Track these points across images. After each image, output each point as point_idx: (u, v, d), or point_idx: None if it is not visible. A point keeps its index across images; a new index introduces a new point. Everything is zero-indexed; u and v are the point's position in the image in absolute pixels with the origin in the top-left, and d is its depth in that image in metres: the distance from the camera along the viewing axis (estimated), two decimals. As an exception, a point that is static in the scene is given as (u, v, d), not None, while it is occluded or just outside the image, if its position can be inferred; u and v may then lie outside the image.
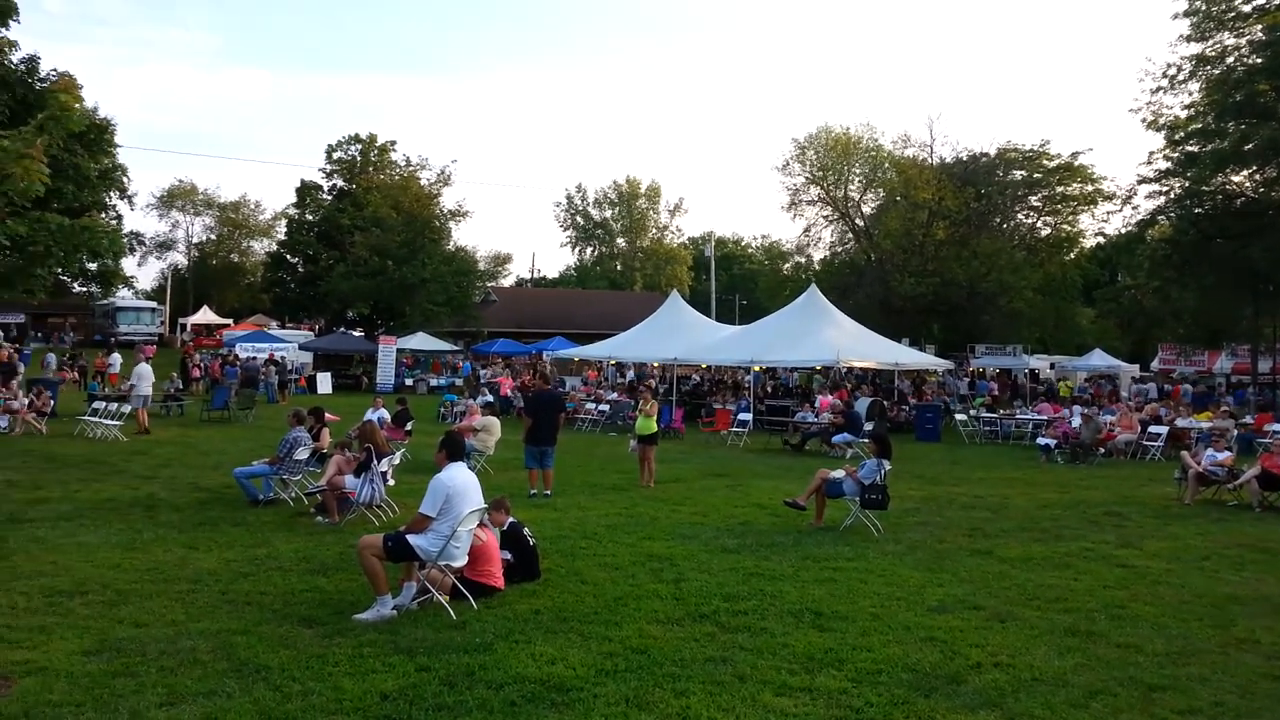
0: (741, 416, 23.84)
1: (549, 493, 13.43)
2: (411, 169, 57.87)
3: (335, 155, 62.39)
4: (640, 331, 32.51)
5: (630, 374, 36.33)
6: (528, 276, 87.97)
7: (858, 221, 50.45)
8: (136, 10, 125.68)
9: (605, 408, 27.38)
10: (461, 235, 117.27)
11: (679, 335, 29.49)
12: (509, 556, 8.29)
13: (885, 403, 26.72)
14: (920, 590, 8.36)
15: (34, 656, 5.83)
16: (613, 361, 35.16)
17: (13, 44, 22.95)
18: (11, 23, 22.69)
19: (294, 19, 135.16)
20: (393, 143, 62.54)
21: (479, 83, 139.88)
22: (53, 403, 23.38)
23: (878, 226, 48.36)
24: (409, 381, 41.39)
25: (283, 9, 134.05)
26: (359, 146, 62.21)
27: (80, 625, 6.59)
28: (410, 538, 7.27)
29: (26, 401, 21.43)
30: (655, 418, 15.51)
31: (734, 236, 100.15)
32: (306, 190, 62.97)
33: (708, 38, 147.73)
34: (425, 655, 6.18)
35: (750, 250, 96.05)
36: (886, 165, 49.15)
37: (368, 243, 49.05)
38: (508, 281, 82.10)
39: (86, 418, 21.06)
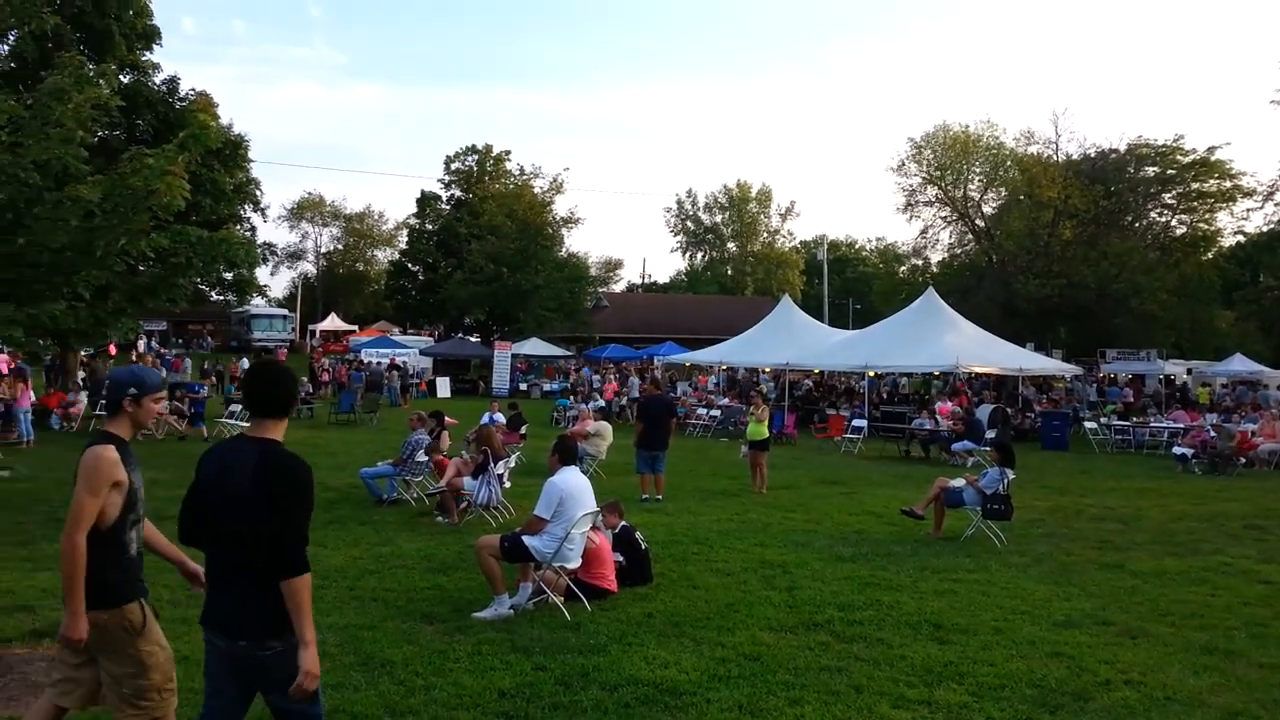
0: (856, 423, 23.45)
1: (660, 497, 13.49)
2: (525, 177, 59.03)
3: (453, 166, 64.24)
4: (751, 336, 32.34)
5: (741, 378, 36.16)
6: (638, 282, 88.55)
7: (978, 222, 48.93)
8: (267, 31, 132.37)
9: (716, 413, 27.33)
10: (573, 242, 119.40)
11: (791, 340, 29.22)
12: (621, 559, 8.38)
13: (1008, 410, 25.84)
14: (1046, 604, 8.07)
15: (180, 647, 6.18)
16: (724, 367, 35.07)
17: (155, 66, 24.52)
18: (155, 46, 24.27)
19: (414, 36, 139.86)
20: (507, 152, 63.98)
21: (590, 90, 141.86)
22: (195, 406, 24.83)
23: (999, 227, 46.75)
24: (523, 386, 42.20)
25: (403, 27, 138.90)
26: (475, 157, 63.88)
27: (221, 616, 6.94)
28: (525, 539, 7.43)
29: (169, 404, 22.82)
30: (767, 423, 15.41)
31: (847, 239, 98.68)
32: (426, 201, 65.02)
33: (818, 38, 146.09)
34: (541, 654, 6.30)
35: (864, 253, 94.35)
36: (1008, 163, 47.51)
37: (484, 250, 50.25)
38: (619, 287, 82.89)
39: (223, 419, 22.26)
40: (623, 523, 8.73)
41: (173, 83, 24.78)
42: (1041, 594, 8.43)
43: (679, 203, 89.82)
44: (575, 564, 7.61)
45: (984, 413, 23.07)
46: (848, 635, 6.97)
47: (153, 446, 18.95)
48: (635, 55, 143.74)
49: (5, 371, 20.31)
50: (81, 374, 25.82)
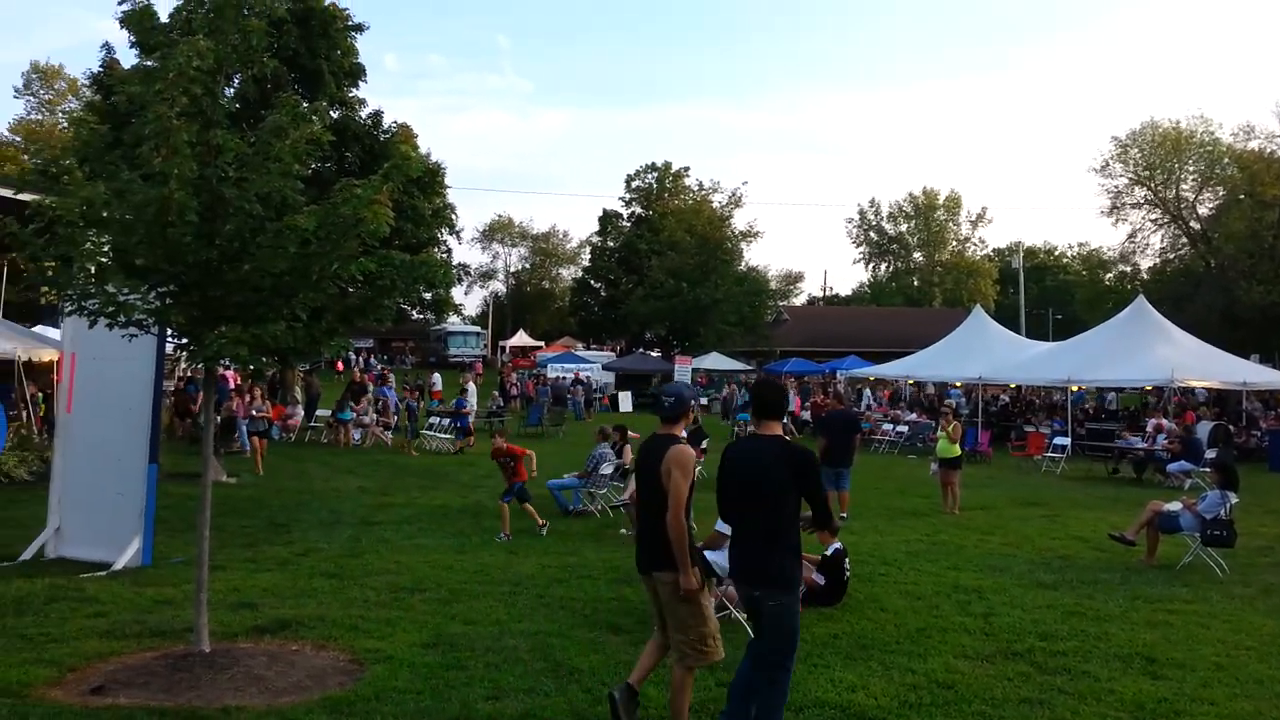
0: (1058, 440, 22.07)
1: (845, 516, 13.16)
2: (704, 193, 59.53)
3: (634, 184, 65.61)
4: (940, 349, 31.16)
5: (929, 393, 34.87)
6: (819, 295, 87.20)
7: (1192, 224, 45.31)
8: (460, 63, 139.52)
9: (904, 429, 26.45)
10: (753, 255, 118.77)
11: (984, 352, 27.94)
12: (820, 579, 8.20)
13: (1231, 427, 23.66)
14: (1274, 640, 7.30)
15: (382, 645, 6.56)
16: (910, 381, 33.95)
17: (361, 101, 26.28)
18: (360, 83, 26.04)
19: (595, 59, 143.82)
20: (686, 168, 64.77)
21: (766, 103, 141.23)
22: (396, 418, 26.38)
23: (1217, 229, 43.07)
24: (704, 400, 42.33)
25: (584, 52, 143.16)
26: (655, 174, 64.96)
27: (419, 620, 7.32)
28: (707, 554, 7.41)
29: (375, 416, 24.36)
30: (959, 440, 14.76)
31: (1045, 245, 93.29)
32: (608, 219, 66.65)
33: (1010, 34, 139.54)
34: (724, 670, 6.23)
35: (1065, 260, 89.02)
36: (1226, 160, 43.79)
37: (664, 266, 50.92)
38: (799, 300, 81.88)
39: (424, 431, 23.55)
40: (836, 544, 8.48)
41: (377, 116, 26.46)
42: (1270, 628, 7.64)
43: (861, 213, 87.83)
44: (758, 581, 7.51)
45: (1203, 430, 21.22)
46: (1050, 666, 6.54)
47: (358, 457, 20.26)
48: (813, 63, 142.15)
49: (233, 386, 22.26)
50: (298, 389, 27.95)
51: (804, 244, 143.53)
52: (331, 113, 23.93)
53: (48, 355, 19.66)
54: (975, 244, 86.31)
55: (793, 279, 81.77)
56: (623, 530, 11.81)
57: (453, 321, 57.28)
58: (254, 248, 5.80)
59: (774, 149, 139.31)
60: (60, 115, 53.61)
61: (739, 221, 58.38)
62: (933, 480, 15.00)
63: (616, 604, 8.06)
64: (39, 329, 26.30)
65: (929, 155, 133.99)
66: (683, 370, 42.52)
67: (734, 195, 55.95)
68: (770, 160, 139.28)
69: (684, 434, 5.35)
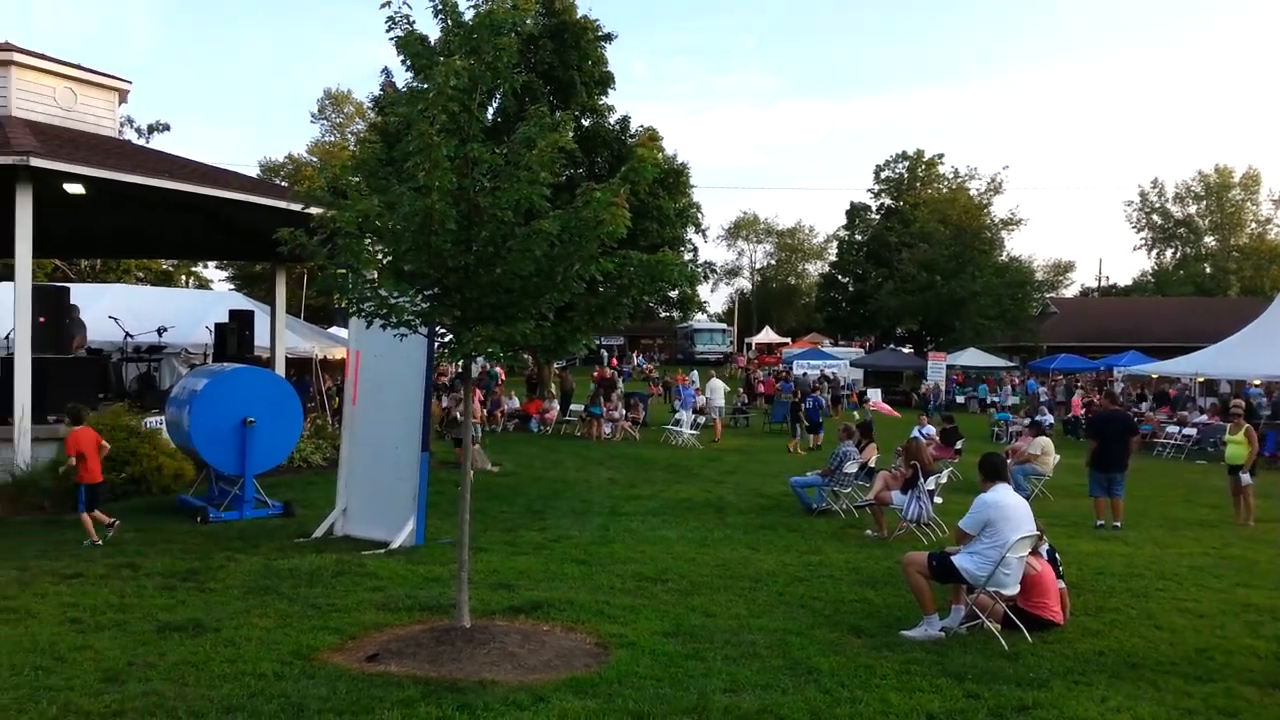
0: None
1: (1118, 524, 12.10)
2: (960, 180, 56.81)
3: (883, 175, 63.74)
4: (1237, 342, 27.92)
5: (1222, 392, 31.31)
6: (1093, 285, 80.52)
7: None
8: (704, 64, 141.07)
9: (1190, 431, 23.95)
10: (1015, 245, 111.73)
11: (1288, 346, 24.70)
12: (1063, 585, 7.64)
13: None
14: None
15: (625, 631, 6.78)
16: (1200, 379, 30.68)
17: (610, 108, 27.27)
18: (609, 90, 27.04)
19: (840, 50, 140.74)
20: (940, 156, 62.02)
21: (1031, 84, 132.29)
22: (644, 413, 27.21)
23: None
24: (959, 399, 40.44)
25: (830, 45, 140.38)
26: (906, 164, 62.77)
27: (661, 609, 7.49)
28: (955, 559, 7.07)
29: (624, 412, 25.23)
30: (1253, 444, 13.15)
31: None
32: (855, 211, 65.22)
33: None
34: (974, 682, 5.94)
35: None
36: None
37: (915, 258, 49.08)
38: (1070, 292, 76.02)
39: (669, 427, 24.12)
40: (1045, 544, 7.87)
41: (625, 122, 27.41)
42: None
43: (1142, 195, 79.87)
44: (1012, 590, 7.07)
45: None
46: (1366, 704, 5.68)
47: (609, 450, 21.07)
48: (1078, 31, 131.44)
49: (503, 378, 24.13)
50: (553, 385, 29.48)
51: (1076, 231, 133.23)
52: (583, 120, 25.00)
53: (339, 353, 21.91)
54: (1278, 226, 76.40)
55: (1062, 269, 75.88)
56: (868, 531, 11.50)
57: (699, 319, 58.15)
58: (505, 252, 6.16)
59: (1038, 130, 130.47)
60: (349, 136, 59.65)
61: (999, 209, 55.28)
62: (1226, 488, 13.46)
63: (860, 606, 7.87)
64: (332, 330, 29.41)
65: (1220, 128, 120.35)
66: (936, 367, 40.84)
67: (993, 181, 52.92)
68: (1034, 143, 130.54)
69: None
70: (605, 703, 5.31)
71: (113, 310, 19.06)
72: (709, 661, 6.16)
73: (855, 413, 28.34)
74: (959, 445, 18.54)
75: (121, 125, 17.08)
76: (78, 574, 8.04)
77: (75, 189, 12.63)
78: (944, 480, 12.68)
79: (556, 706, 5.20)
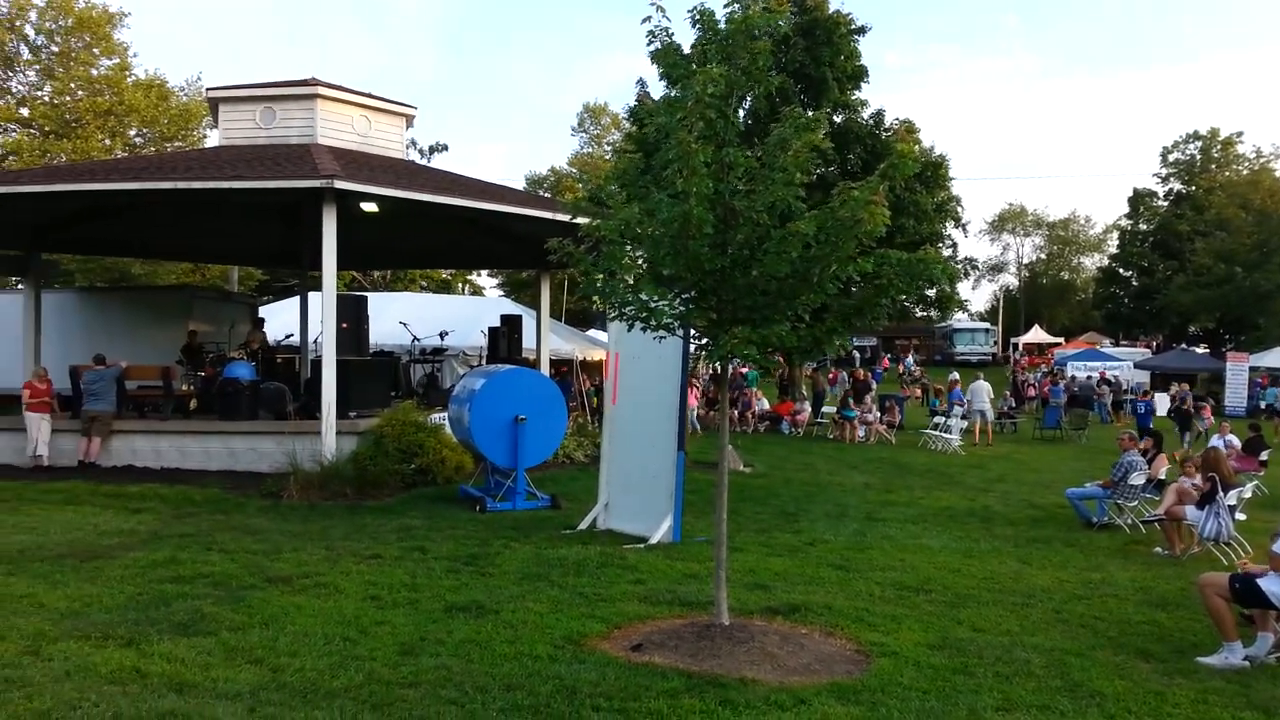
0: None
1: None
2: (1263, 160, 50.68)
3: (1170, 157, 58.08)
4: None
5: None
6: None
7: None
8: (962, 49, 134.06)
9: None
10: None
11: None
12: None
13: None
14: None
15: (887, 640, 6.60)
16: None
17: (863, 103, 26.59)
18: (863, 84, 26.38)
19: (1116, 20, 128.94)
20: (1238, 134, 55.61)
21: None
22: (900, 416, 26.36)
23: None
24: (1262, 404, 35.99)
25: (1102, 16, 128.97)
26: (1198, 144, 56.80)
27: (924, 620, 7.23)
28: (1262, 582, 6.32)
29: (879, 415, 24.56)
30: None
31: None
32: (1139, 199, 59.93)
33: None
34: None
35: None
36: None
37: (1211, 249, 44.43)
38: None
39: (928, 431, 23.21)
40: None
41: (879, 116, 26.64)
42: None
43: None
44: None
45: None
46: None
47: (863, 453, 20.58)
48: None
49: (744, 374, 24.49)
50: (805, 386, 29.23)
51: None
52: (835, 117, 24.57)
53: (597, 355, 22.93)
54: None
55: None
56: (1156, 549, 10.52)
57: (959, 318, 55.55)
58: (761, 254, 6.20)
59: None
60: (606, 147, 62.15)
61: (1313, 190, 48.76)
62: None
63: (1149, 629, 7.21)
64: (591, 332, 30.88)
65: None
66: (1237, 369, 36.59)
67: (1306, 159, 46.87)
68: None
69: None
70: (869, 711, 5.21)
71: (401, 316, 21.02)
72: (978, 677, 5.87)
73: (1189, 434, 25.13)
74: (1264, 456, 16.55)
75: (406, 147, 18.71)
76: (376, 555, 8.92)
77: (369, 207, 14.01)
78: (1247, 495, 11.35)
79: (819, 711, 5.16)
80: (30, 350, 16.48)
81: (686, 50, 7.01)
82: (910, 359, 52.54)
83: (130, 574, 7.90)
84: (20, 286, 19.96)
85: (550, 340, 19.99)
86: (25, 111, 33.42)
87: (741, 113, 6.81)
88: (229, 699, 5.09)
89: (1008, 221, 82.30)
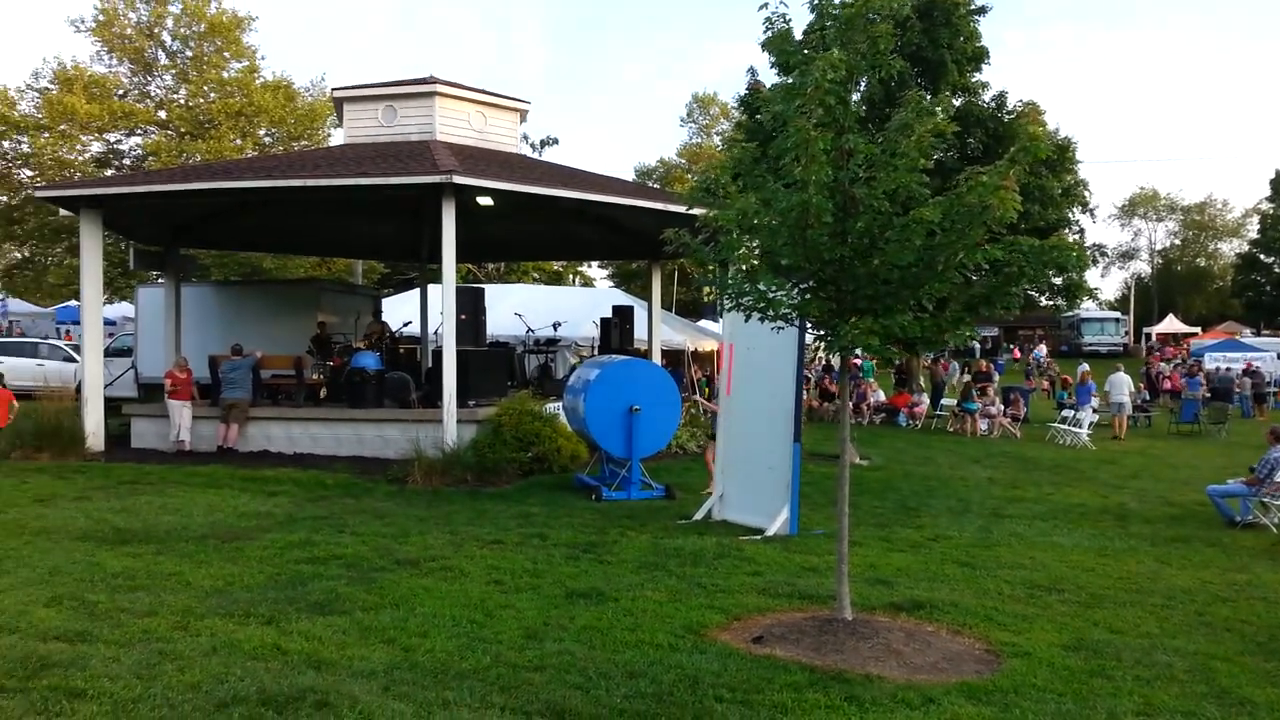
0: None
1: None
2: None
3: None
4: None
5: None
6: None
7: None
8: (1088, 26, 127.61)
9: None
10: None
11: None
12: None
13: None
14: None
15: (1018, 640, 6.38)
16: None
17: (984, 85, 25.66)
18: (983, 66, 25.46)
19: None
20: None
21: None
22: (1025, 409, 25.44)
23: None
24: None
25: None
26: (1354, 118, 52.88)
27: (1057, 620, 6.96)
28: None
29: (1002, 407, 23.73)
30: None
31: None
32: (1284, 179, 56.22)
33: None
34: None
35: None
36: None
37: (1369, 230, 41.19)
38: None
39: (1056, 425, 22.32)
40: None
41: (1001, 98, 25.66)
42: None
43: None
44: None
45: None
46: None
47: (985, 447, 19.94)
48: None
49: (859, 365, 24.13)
50: (923, 377, 28.50)
51: None
52: (954, 100, 23.83)
53: (708, 345, 22.85)
54: None
55: None
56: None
57: (1087, 307, 53.17)
58: (882, 243, 6.06)
59: None
60: (715, 137, 61.84)
61: None
62: None
63: (1305, 635, 6.79)
64: (701, 323, 30.84)
65: None
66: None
67: None
68: None
69: None
70: (1001, 712, 5.06)
71: (516, 308, 21.42)
72: (1117, 680, 5.63)
73: None
74: None
75: (519, 141, 19.01)
76: (498, 540, 9.13)
77: (486, 201, 14.30)
78: None
79: (949, 710, 5.04)
80: (171, 341, 17.46)
81: (798, 37, 6.90)
82: (1041, 349, 50.61)
83: (269, 554, 8.30)
84: (161, 281, 21.12)
85: (661, 331, 20.05)
86: (163, 114, 35.39)
87: (855, 96, 6.62)
88: (364, 677, 5.29)
89: (1139, 206, 78.32)
